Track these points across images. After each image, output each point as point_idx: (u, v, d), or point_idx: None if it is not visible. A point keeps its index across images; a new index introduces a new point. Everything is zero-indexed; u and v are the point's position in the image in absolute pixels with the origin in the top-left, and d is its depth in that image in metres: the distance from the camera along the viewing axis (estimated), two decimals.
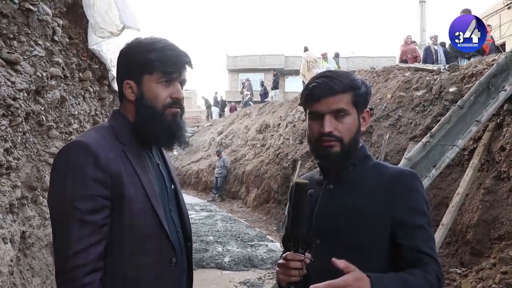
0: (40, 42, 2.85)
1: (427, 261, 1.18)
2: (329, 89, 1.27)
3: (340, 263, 1.06)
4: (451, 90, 6.49)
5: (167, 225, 1.29)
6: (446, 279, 4.21)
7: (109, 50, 4.26)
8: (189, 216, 1.49)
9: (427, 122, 6.51)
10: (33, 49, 2.73)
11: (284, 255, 1.27)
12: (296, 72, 23.83)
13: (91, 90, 4.24)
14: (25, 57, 2.63)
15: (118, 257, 1.22)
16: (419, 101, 7.10)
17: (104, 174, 1.19)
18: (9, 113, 2.34)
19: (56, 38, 3.18)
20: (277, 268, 1.28)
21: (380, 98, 8.17)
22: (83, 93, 4.01)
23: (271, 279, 5.26)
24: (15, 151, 2.44)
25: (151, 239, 1.26)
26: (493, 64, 5.80)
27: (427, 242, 1.22)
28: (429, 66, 8.55)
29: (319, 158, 1.37)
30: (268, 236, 7.93)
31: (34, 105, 2.74)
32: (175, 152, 18.88)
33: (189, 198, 13.44)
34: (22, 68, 2.55)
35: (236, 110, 23.32)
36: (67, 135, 3.42)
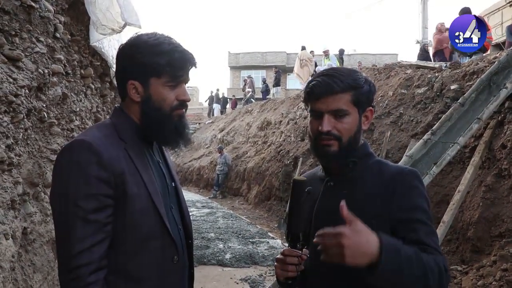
0: (41, 39, 2.86)
1: (432, 251, 1.16)
2: (328, 89, 1.27)
3: (345, 211, 1.05)
4: (452, 87, 6.47)
5: (168, 223, 1.29)
6: None
7: (110, 47, 4.26)
8: (191, 213, 1.50)
9: (428, 119, 6.49)
10: (35, 46, 2.73)
11: (282, 250, 1.28)
12: None
13: (93, 87, 4.24)
14: (27, 53, 2.63)
15: (121, 255, 1.22)
16: (420, 99, 7.09)
17: (108, 173, 1.19)
18: (11, 109, 2.35)
19: (58, 35, 3.18)
20: (275, 263, 1.29)
21: (381, 96, 8.16)
22: (84, 90, 4.01)
23: (272, 276, 5.27)
24: (16, 147, 2.45)
25: (154, 238, 1.26)
26: (494, 62, 5.78)
27: (429, 235, 1.21)
28: (431, 64, 8.53)
29: (318, 156, 1.38)
30: (269, 233, 7.96)
31: (36, 101, 2.75)
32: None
33: (190, 195, 13.46)
34: (24, 64, 2.55)
35: (236, 104, 23.31)
36: (68, 132, 3.43)
